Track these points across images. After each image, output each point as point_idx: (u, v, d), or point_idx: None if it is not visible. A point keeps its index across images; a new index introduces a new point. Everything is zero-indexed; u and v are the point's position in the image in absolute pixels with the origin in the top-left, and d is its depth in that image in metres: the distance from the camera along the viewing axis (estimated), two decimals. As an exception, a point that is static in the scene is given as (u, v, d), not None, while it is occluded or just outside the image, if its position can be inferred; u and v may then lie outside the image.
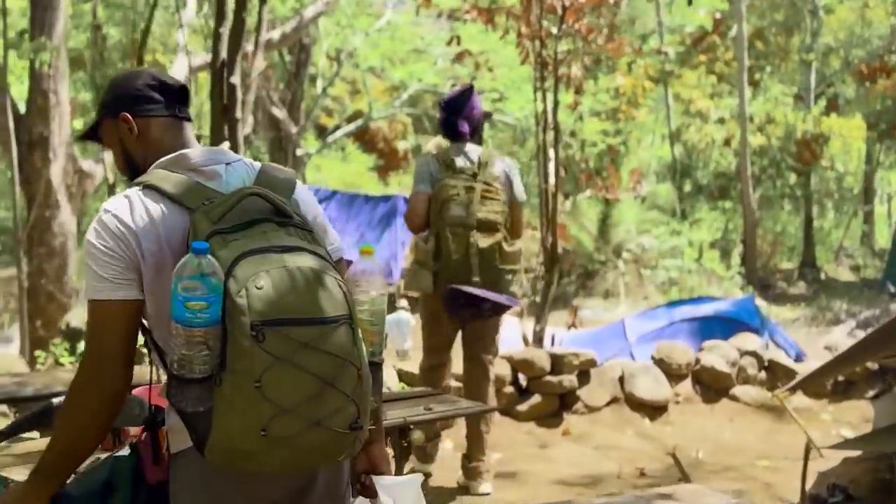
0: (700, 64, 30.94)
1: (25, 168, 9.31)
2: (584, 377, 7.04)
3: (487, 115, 5.79)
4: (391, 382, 6.40)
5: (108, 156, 10.59)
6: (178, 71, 10.82)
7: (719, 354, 7.43)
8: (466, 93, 5.59)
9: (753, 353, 7.59)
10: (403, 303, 23.58)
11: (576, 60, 8.92)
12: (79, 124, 20.62)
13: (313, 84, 27.21)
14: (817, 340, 15.40)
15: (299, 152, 24.60)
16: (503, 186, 5.50)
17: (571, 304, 12.39)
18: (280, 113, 24.19)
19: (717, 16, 30.51)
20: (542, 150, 8.84)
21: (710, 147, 29.69)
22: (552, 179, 8.73)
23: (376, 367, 2.31)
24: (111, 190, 9.45)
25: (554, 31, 8.45)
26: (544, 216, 8.79)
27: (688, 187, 31.03)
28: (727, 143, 29.25)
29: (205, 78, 10.81)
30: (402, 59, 22.64)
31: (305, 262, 2.05)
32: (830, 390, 7.28)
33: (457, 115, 5.56)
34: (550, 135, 8.98)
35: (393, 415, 3.78)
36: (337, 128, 27.73)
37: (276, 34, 11.79)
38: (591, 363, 7.11)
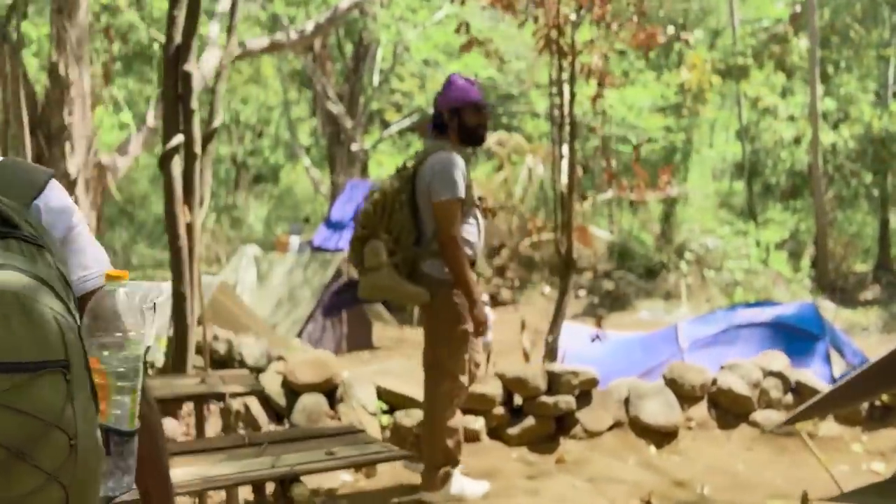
0: (772, 57, 29.86)
1: (43, 162, 9.14)
2: (584, 398, 6.38)
3: (475, 107, 5.17)
4: (367, 401, 5.89)
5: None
6: (208, 64, 10.59)
7: (739, 375, 6.75)
8: (444, 83, 5.19)
9: (779, 374, 6.86)
10: (485, 297, 23.13)
11: (593, 50, 8.19)
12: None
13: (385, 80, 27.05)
14: (889, 348, 14.44)
15: (354, 147, 24.34)
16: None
17: (597, 313, 11.70)
18: (335, 108, 23.96)
19: (797, 9, 29.40)
20: (556, 146, 8.27)
21: (778, 145, 28.66)
22: (564, 179, 8.13)
23: (124, 437, 1.68)
24: None
25: (573, 17, 7.86)
26: (559, 218, 8.20)
27: (757, 187, 30.08)
28: (797, 141, 28.20)
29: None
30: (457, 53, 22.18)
31: (5, 281, 1.49)
32: (866, 416, 6.62)
33: (437, 108, 5.19)
34: (566, 130, 8.34)
35: (284, 461, 3.18)
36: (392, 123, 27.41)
37: (309, 25, 11.48)
38: (593, 382, 6.50)
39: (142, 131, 10.41)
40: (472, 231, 5.05)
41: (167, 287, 13.01)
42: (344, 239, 23.09)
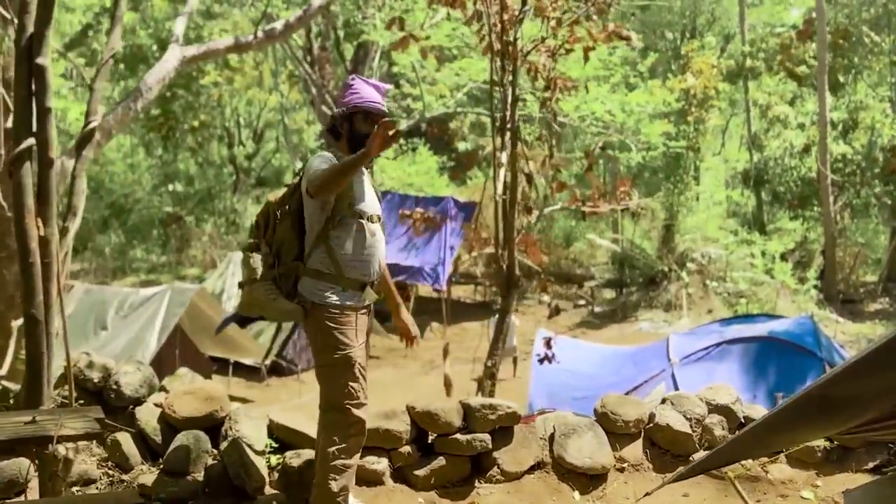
0: (782, 63, 29.28)
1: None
2: (503, 435, 5.53)
3: (365, 113, 4.57)
4: (256, 438, 5.00)
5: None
6: (168, 62, 10.14)
7: (680, 409, 5.99)
8: (343, 84, 4.70)
9: (725, 409, 6.11)
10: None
11: (541, 49, 7.45)
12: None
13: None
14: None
15: (348, 151, 23.84)
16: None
17: (549, 336, 10.83)
18: (328, 110, 23.53)
19: (814, 15, 28.78)
20: (496, 154, 7.53)
21: (786, 153, 28.07)
22: (500, 188, 7.43)
23: None
24: None
25: (516, 10, 7.13)
26: (501, 232, 7.47)
27: (764, 195, 29.49)
28: (806, 149, 27.58)
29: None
30: (456, 57, 21.70)
31: None
32: (821, 457, 5.91)
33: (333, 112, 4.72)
34: (507, 137, 7.60)
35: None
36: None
37: (279, 25, 11.02)
38: (513, 417, 5.67)
39: (96, 133, 9.92)
40: (354, 247, 4.48)
41: (137, 293, 12.42)
42: (337, 245, 22.62)
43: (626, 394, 13.03)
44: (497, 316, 8.13)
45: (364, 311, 4.56)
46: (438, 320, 20.70)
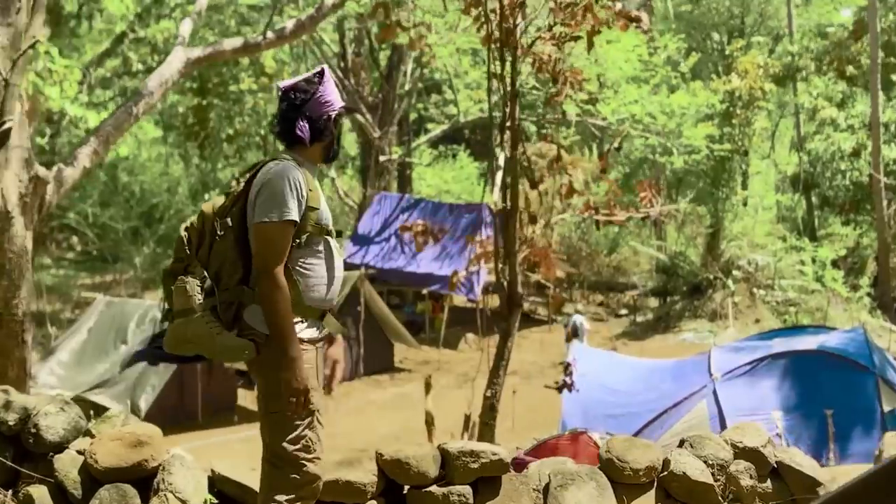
0: (832, 63, 28.25)
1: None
2: (488, 487, 4.62)
3: (348, 112, 4.00)
4: (192, 492, 4.25)
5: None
6: (172, 64, 9.61)
7: (700, 454, 5.06)
8: (314, 79, 3.91)
9: (754, 454, 5.17)
10: (578, 306, 22.37)
11: (543, 39, 6.59)
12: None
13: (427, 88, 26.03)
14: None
15: (382, 158, 23.38)
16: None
17: (568, 361, 9.68)
18: (361, 118, 23.04)
19: (865, 14, 27.74)
20: (494, 156, 6.70)
21: (836, 156, 27.04)
22: (496, 194, 6.55)
23: None
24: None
25: None
26: (501, 244, 6.59)
27: (814, 200, 28.50)
28: (856, 152, 26.54)
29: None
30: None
31: None
32: None
33: (297, 111, 3.87)
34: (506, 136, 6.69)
35: None
36: (425, 132, 26.41)
37: (289, 24, 10.48)
38: (499, 466, 4.77)
39: (89, 142, 9.44)
40: (319, 269, 3.81)
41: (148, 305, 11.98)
42: (370, 254, 22.18)
43: (665, 412, 12.38)
44: (499, 337, 7.19)
45: (321, 344, 3.96)
46: (474, 331, 20.10)
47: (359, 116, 23.56)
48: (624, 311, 25.98)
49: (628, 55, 19.85)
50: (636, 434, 11.38)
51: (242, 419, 15.18)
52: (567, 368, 9.05)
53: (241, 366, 17.21)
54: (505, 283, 6.61)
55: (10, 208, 8.56)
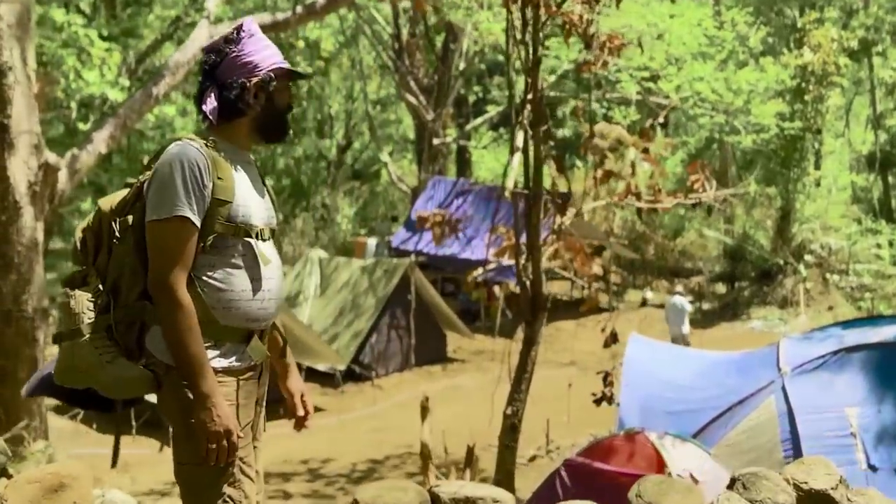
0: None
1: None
2: None
3: (287, 77, 3.13)
4: None
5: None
6: (197, 41, 9.10)
7: (755, 498, 3.78)
8: (229, 39, 3.06)
9: (822, 497, 4.09)
10: (679, 287, 21.65)
11: None
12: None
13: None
14: None
15: (436, 141, 22.70)
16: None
17: (607, 371, 8.34)
18: (414, 100, 22.39)
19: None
20: (514, 136, 5.64)
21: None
22: (512, 179, 5.55)
23: None
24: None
25: None
26: (522, 238, 5.66)
27: (892, 179, 27.18)
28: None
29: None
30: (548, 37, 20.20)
31: None
32: None
33: (208, 78, 3.04)
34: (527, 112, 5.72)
35: None
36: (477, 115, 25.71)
37: (321, -1, 9.88)
38: None
39: (106, 125, 8.94)
40: (236, 280, 2.98)
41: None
42: (424, 240, 21.52)
43: (729, 409, 11.56)
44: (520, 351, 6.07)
45: (250, 375, 3.04)
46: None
47: (412, 98, 22.89)
48: (689, 298, 24.99)
49: (693, 29, 18.87)
50: (698, 433, 10.71)
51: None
52: (607, 378, 8.15)
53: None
54: (527, 283, 5.66)
55: (19, 198, 8.09)
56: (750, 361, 12.97)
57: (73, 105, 17.39)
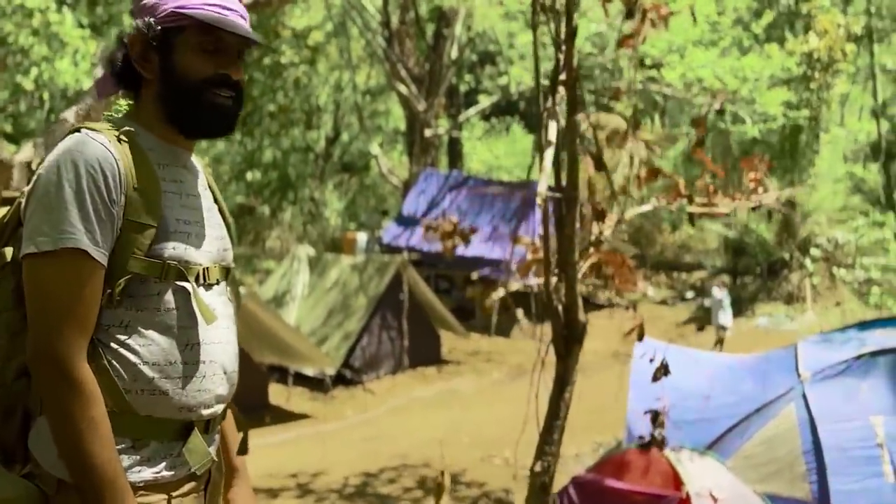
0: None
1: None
2: None
3: (201, 30, 2.00)
4: None
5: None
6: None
7: None
8: None
9: None
10: (724, 278, 21.10)
11: None
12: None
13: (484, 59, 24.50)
14: None
15: (428, 133, 21.93)
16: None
17: (657, 410, 7.52)
18: (405, 89, 21.60)
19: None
20: (539, 128, 4.57)
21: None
22: (544, 182, 4.27)
23: None
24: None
25: None
26: (551, 255, 4.55)
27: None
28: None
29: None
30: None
31: None
32: None
33: (118, 42, 2.07)
34: (559, 96, 4.54)
35: None
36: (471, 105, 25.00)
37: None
38: None
39: (69, 112, 8.05)
40: (169, 347, 1.98)
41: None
42: (416, 236, 20.78)
43: (746, 418, 10.88)
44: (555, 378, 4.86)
45: (190, 488, 2.07)
46: (530, 318, 18.70)
47: (403, 88, 22.10)
48: (690, 294, 24.29)
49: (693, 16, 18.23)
50: (713, 444, 10.07)
51: (276, 419, 13.95)
52: (657, 419, 7.23)
53: (271, 360, 15.78)
54: (559, 308, 4.56)
55: (-34, 198, 7.21)
56: (766, 366, 12.25)
57: (46, 96, 16.55)
